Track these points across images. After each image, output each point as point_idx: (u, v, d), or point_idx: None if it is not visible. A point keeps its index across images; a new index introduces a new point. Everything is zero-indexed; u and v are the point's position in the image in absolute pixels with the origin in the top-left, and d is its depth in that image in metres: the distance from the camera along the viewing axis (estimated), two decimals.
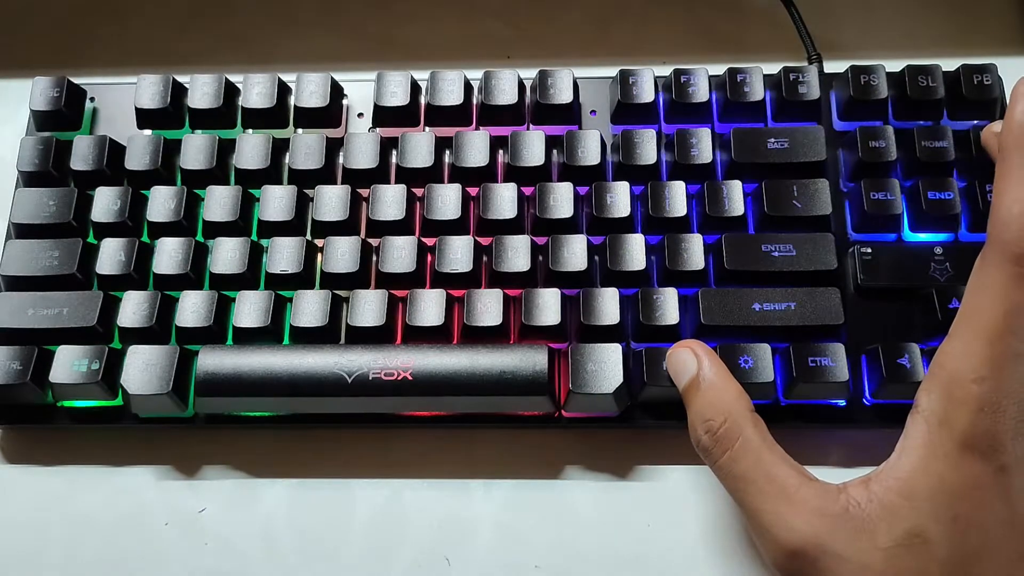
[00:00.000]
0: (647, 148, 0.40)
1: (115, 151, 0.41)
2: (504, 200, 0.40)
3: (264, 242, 0.40)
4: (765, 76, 0.41)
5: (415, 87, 0.42)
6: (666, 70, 0.42)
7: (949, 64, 0.41)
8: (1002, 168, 0.31)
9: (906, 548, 0.28)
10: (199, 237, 0.40)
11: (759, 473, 0.31)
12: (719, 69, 0.42)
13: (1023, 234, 0.29)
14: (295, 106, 0.42)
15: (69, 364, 0.37)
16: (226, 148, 0.41)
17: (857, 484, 0.30)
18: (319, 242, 0.40)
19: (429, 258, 0.39)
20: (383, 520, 0.38)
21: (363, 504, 0.38)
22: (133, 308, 0.38)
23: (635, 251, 0.39)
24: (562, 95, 0.41)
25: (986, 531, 0.28)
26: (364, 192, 0.40)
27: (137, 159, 0.41)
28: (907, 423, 0.31)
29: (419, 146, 0.41)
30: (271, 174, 0.41)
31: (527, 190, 0.40)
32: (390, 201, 0.40)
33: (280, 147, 0.41)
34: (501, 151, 0.42)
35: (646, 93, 0.41)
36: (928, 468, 0.29)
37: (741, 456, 0.31)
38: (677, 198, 0.39)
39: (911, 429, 0.30)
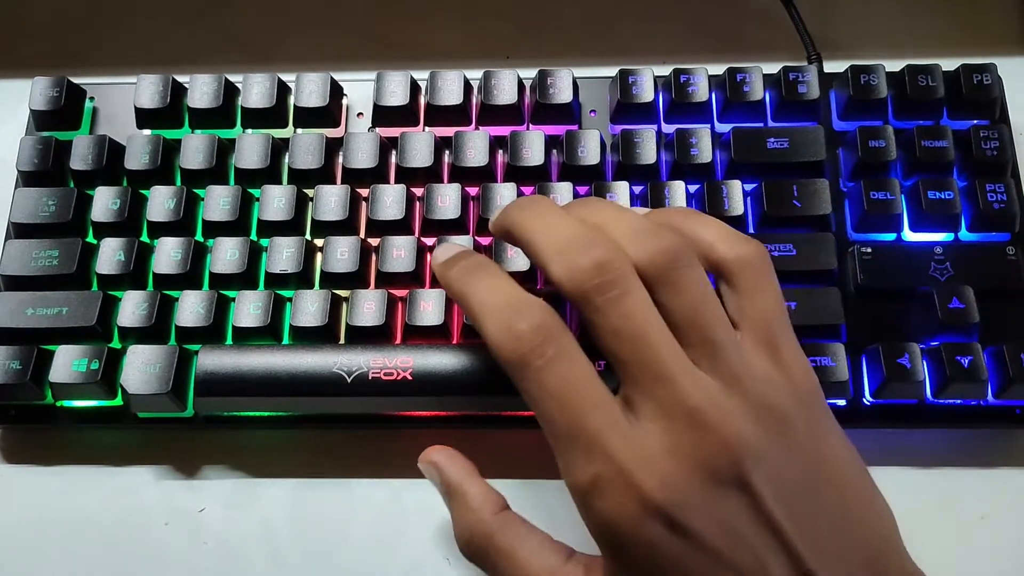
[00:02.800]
0: (647, 148, 0.40)
1: (114, 151, 0.41)
2: (504, 199, 0.39)
3: (263, 242, 0.40)
4: (765, 76, 0.41)
5: (415, 87, 0.42)
6: (666, 70, 0.42)
7: (949, 64, 0.41)
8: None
9: None
10: (199, 237, 0.40)
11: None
12: (719, 69, 0.42)
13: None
14: (295, 106, 0.42)
15: (69, 364, 0.37)
16: (225, 148, 0.41)
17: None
18: (318, 242, 0.40)
19: (429, 257, 0.39)
20: (383, 520, 0.38)
21: (363, 504, 0.38)
22: (133, 308, 0.38)
23: None
24: (562, 95, 0.41)
25: None
26: (364, 192, 0.40)
27: (136, 159, 0.41)
28: None
29: (419, 146, 0.41)
30: (271, 174, 0.41)
31: (527, 189, 0.40)
32: (390, 201, 0.40)
33: (279, 147, 0.41)
34: (501, 151, 0.42)
35: (646, 93, 0.41)
36: None
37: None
38: (677, 198, 0.39)
39: None
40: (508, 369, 0.29)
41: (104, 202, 0.40)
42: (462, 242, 0.39)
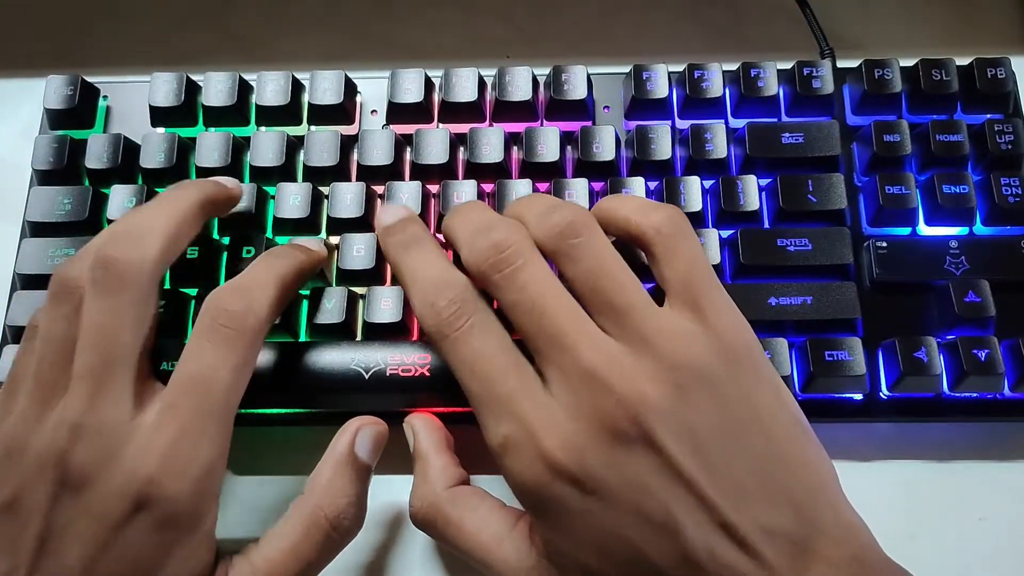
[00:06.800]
0: (662, 143, 0.40)
1: (129, 149, 0.41)
2: (519, 195, 0.39)
3: (280, 239, 0.40)
4: (779, 71, 0.41)
5: (428, 84, 0.42)
6: (678, 67, 0.42)
7: (958, 61, 0.41)
8: None
9: None
10: (214, 234, 0.40)
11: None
12: (725, 66, 0.42)
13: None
14: (309, 103, 0.42)
15: None
16: (240, 145, 0.41)
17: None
18: (334, 239, 0.40)
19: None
20: (386, 517, 0.38)
21: (368, 501, 0.38)
22: None
23: None
24: (576, 91, 0.41)
25: None
26: (379, 188, 0.40)
27: (152, 157, 0.41)
28: None
29: (434, 142, 0.41)
30: (286, 171, 0.41)
31: (542, 186, 0.40)
32: (405, 197, 0.40)
33: (294, 144, 0.41)
34: (515, 147, 0.42)
35: (660, 88, 0.41)
36: None
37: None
38: (692, 193, 0.39)
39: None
40: (431, 341, 0.31)
41: (120, 200, 0.40)
42: None
